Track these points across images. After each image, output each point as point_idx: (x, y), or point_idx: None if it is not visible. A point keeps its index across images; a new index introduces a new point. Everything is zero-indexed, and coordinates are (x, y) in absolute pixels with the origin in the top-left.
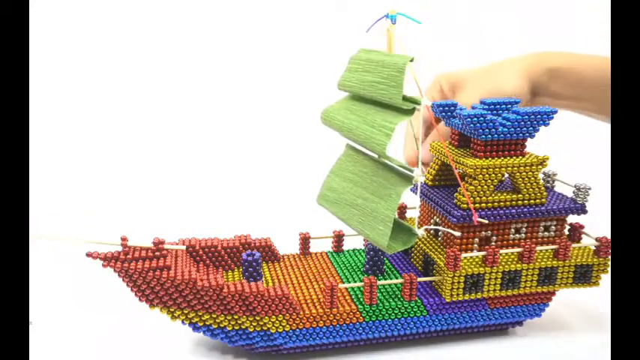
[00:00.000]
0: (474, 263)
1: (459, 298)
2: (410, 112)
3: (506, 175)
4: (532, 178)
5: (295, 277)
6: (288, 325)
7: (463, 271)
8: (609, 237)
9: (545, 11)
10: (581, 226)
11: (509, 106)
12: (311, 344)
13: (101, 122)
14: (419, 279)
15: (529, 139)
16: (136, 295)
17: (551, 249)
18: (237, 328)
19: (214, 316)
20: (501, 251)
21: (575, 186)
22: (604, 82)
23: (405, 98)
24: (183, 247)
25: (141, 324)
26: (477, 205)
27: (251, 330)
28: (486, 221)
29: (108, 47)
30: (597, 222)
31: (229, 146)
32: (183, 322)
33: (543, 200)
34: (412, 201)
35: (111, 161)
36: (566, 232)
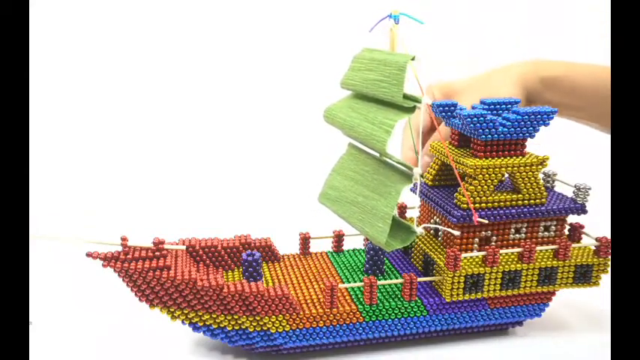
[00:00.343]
0: (473, 263)
1: (459, 298)
2: (410, 109)
3: (506, 175)
4: (532, 178)
5: (295, 277)
6: (288, 325)
7: (463, 271)
8: (609, 237)
9: (545, 11)
10: (581, 226)
11: (509, 106)
12: (311, 344)
13: (101, 122)
14: (419, 279)
15: (529, 139)
16: (136, 295)
17: (551, 249)
18: (237, 328)
19: (214, 316)
20: (501, 251)
21: (575, 186)
22: (598, 90)
23: (405, 96)
24: (183, 247)
25: (141, 324)
26: (477, 205)
27: (251, 330)
28: (486, 221)
29: (108, 47)
30: (597, 222)
31: (229, 146)
32: (183, 322)
33: (543, 200)
34: (412, 201)
35: (111, 161)
36: (566, 232)
